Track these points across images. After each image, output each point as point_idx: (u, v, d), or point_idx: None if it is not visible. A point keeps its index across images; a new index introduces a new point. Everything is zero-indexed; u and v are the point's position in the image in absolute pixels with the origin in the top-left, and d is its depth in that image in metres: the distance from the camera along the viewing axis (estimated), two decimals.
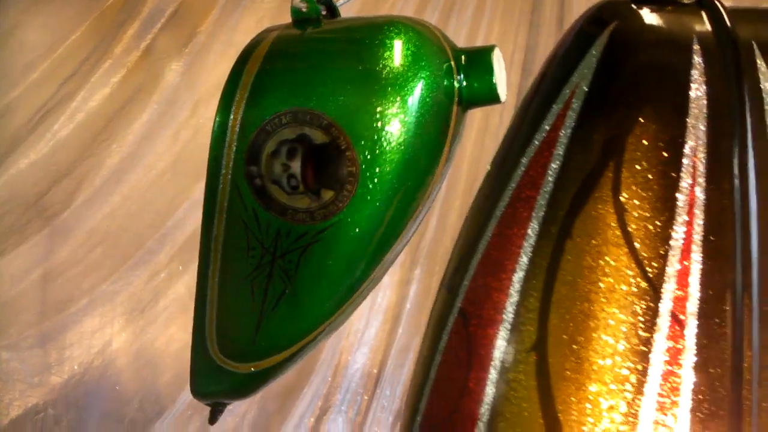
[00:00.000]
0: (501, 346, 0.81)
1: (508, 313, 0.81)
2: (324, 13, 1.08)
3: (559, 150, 0.83)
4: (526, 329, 0.79)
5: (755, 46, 0.82)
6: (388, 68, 1.06)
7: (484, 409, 0.81)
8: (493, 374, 0.81)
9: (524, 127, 0.89)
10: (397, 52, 1.07)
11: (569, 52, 0.88)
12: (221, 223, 1.10)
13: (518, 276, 0.80)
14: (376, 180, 1.03)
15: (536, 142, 0.85)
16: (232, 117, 1.07)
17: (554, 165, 0.82)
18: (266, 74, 1.08)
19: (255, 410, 2.42)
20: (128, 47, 2.28)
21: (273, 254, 1.09)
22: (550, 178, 0.83)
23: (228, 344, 1.12)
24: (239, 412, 2.38)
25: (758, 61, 0.82)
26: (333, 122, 1.04)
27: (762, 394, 0.74)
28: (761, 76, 0.82)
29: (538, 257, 0.80)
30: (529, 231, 0.81)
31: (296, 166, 1.02)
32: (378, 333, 2.54)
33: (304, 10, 1.08)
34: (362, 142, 1.03)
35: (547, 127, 0.85)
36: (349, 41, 1.11)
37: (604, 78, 0.84)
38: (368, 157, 1.03)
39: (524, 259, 0.81)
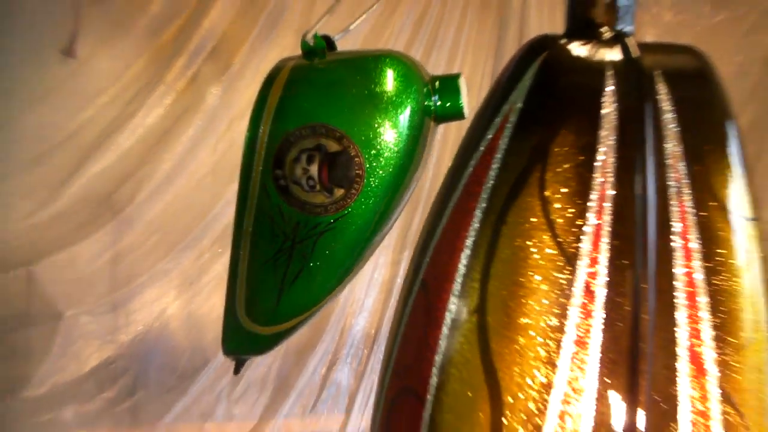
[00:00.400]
0: (452, 309, 0.92)
1: (457, 283, 0.92)
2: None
3: (499, 155, 0.94)
4: (470, 296, 0.91)
5: (657, 72, 0.94)
6: (386, 91, 1.25)
7: (439, 358, 0.92)
8: (445, 331, 0.92)
9: (474, 135, 1.01)
10: (392, 79, 1.27)
11: (509, 77, 0.99)
12: (251, 215, 1.30)
13: (465, 254, 0.91)
14: (377, 180, 1.23)
15: (481, 148, 0.96)
16: (261, 131, 1.27)
17: (494, 166, 0.93)
18: (288, 97, 1.27)
19: (279, 362, 2.68)
20: (177, 75, 2.52)
21: (293, 240, 1.28)
22: (491, 177, 0.93)
23: (254, 311, 1.33)
24: (267, 363, 2.66)
25: (658, 85, 0.94)
26: (344, 134, 1.23)
27: (654, 347, 0.87)
28: (660, 97, 0.93)
29: (481, 239, 0.91)
30: (474, 218, 0.92)
31: (314, 169, 1.22)
32: (375, 302, 2.80)
33: (311, 44, 1.26)
34: (367, 150, 1.22)
35: (490, 136, 0.96)
36: (355, 69, 1.29)
37: (535, 98, 0.95)
38: (372, 162, 1.22)
39: (470, 241, 0.92)
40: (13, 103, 2.44)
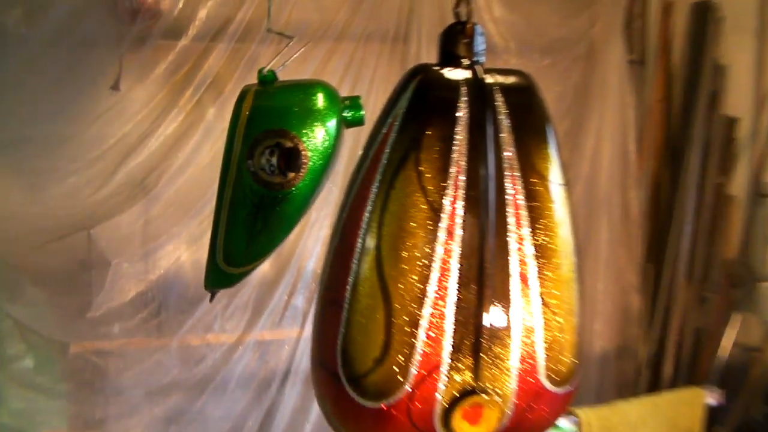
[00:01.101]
0: (359, 245, 1.06)
1: (363, 229, 1.05)
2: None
3: (389, 144, 1.07)
4: (371, 237, 1.05)
5: (496, 87, 1.10)
6: (320, 107, 1.48)
7: (352, 278, 1.06)
8: (355, 260, 1.06)
9: (374, 132, 1.13)
10: (323, 99, 1.50)
11: (397, 91, 1.11)
12: (230, 190, 1.51)
13: (368, 209, 1.04)
14: (315, 167, 1.45)
15: (378, 140, 1.09)
16: (237, 134, 1.48)
17: (386, 152, 1.06)
18: (256, 110, 1.48)
19: (255, 292, 3.20)
20: (187, 101, 3.06)
21: (258, 207, 1.48)
22: (384, 159, 1.06)
23: (229, 258, 1.56)
24: (248, 293, 3.19)
25: (497, 95, 1.10)
26: (295, 136, 1.44)
27: (495, 269, 1.04)
28: (498, 104, 1.10)
29: (377, 199, 1.03)
30: (373, 187, 1.05)
31: (274, 160, 1.43)
32: (320, 251, 3.25)
33: (265, 74, 1.52)
34: (309, 146, 1.43)
35: (384, 132, 1.09)
36: (299, 92, 1.51)
37: (413, 105, 1.08)
38: (312, 154, 1.43)
39: (371, 201, 1.05)
40: (79, 121, 2.99)
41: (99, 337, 3.05)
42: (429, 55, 3.25)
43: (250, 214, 1.48)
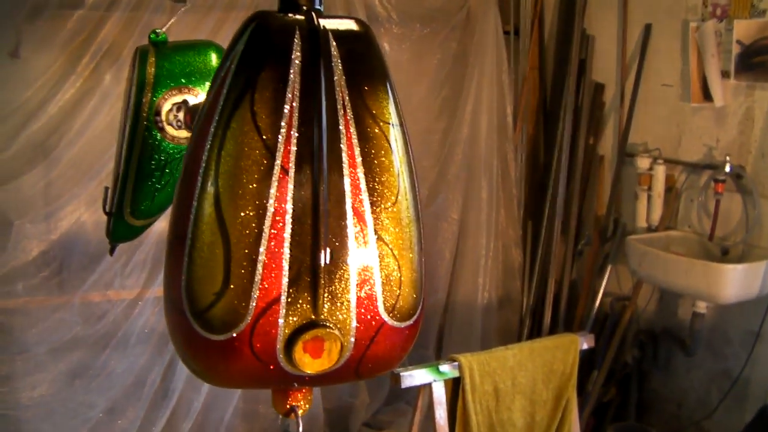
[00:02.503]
0: (199, 182, 1.09)
1: (202, 168, 1.09)
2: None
3: (226, 86, 1.10)
4: (210, 175, 1.08)
5: (330, 34, 1.14)
6: (212, 64, 1.59)
7: (193, 214, 1.10)
8: (196, 198, 1.09)
9: (215, 75, 1.15)
10: (215, 56, 1.63)
11: (235, 36, 1.13)
12: (138, 147, 1.57)
13: (206, 148, 1.08)
14: None
15: (217, 82, 1.12)
16: (145, 92, 1.55)
17: (224, 93, 1.09)
18: (161, 68, 1.56)
19: (153, 250, 3.31)
20: (84, 67, 3.17)
21: (165, 161, 1.55)
22: (221, 100, 1.09)
23: (136, 211, 1.62)
24: (146, 251, 3.29)
25: (331, 41, 1.14)
26: (200, 92, 1.54)
27: (329, 205, 1.07)
28: (332, 50, 1.13)
29: (215, 139, 1.08)
30: (212, 127, 1.09)
31: (181, 115, 1.51)
32: None
33: (159, 36, 1.61)
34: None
35: (222, 75, 1.13)
36: (196, 52, 1.62)
37: (249, 47, 1.10)
38: None
39: (209, 141, 1.08)
40: None
41: (2, 296, 3.14)
42: None
43: (157, 168, 1.54)
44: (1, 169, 3.12)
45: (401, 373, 2.71)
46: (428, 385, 2.77)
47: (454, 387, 2.85)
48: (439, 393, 2.80)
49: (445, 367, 2.79)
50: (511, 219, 4.09)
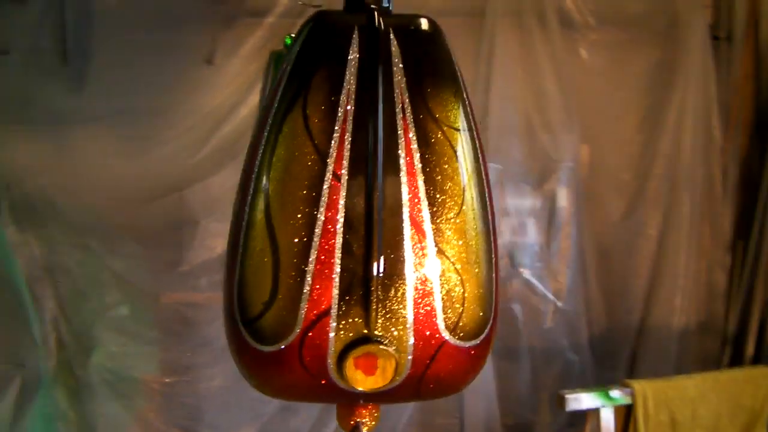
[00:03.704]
0: (251, 189, 1.08)
1: (255, 174, 1.07)
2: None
3: (282, 87, 1.08)
4: (261, 181, 1.06)
5: (392, 33, 1.11)
6: None
7: (245, 222, 1.09)
8: (248, 205, 1.08)
9: (273, 78, 1.23)
10: None
11: (294, 38, 1.13)
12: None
13: (259, 152, 1.07)
14: None
15: (274, 85, 1.11)
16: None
17: (279, 94, 1.07)
18: None
19: None
20: None
21: None
22: (276, 101, 1.07)
23: None
24: None
25: (393, 41, 1.10)
26: None
27: (384, 214, 1.04)
28: (393, 50, 1.10)
29: (267, 144, 1.06)
30: (266, 130, 1.07)
31: None
32: None
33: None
34: None
35: (279, 76, 1.11)
36: None
37: (305, 47, 1.09)
38: None
39: (262, 146, 1.08)
40: (176, 92, 3.20)
41: (188, 290, 3.26)
42: (504, 30, 3.36)
43: None
44: (191, 171, 3.23)
45: (566, 396, 2.60)
46: (596, 411, 2.63)
47: (627, 414, 2.69)
48: (608, 419, 2.66)
49: (615, 393, 2.66)
50: (717, 238, 3.81)
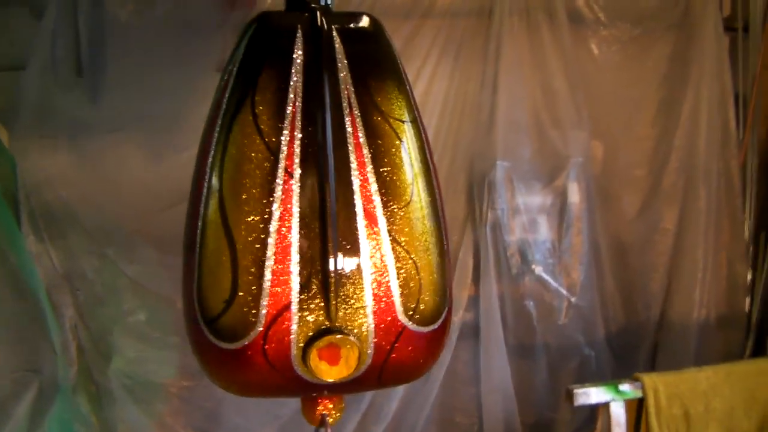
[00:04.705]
0: (204, 190, 1.08)
1: (208, 174, 1.07)
2: None
3: (228, 90, 1.09)
4: (214, 181, 1.06)
5: (334, 32, 1.12)
6: None
7: (200, 222, 1.09)
8: (202, 206, 1.09)
9: (220, 81, 1.16)
10: None
11: (238, 40, 1.15)
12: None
13: (211, 154, 1.06)
14: None
15: (221, 86, 1.12)
16: None
17: (226, 97, 1.08)
18: None
19: None
20: None
21: None
22: (223, 104, 1.08)
23: None
24: None
25: (335, 37, 1.12)
26: None
27: (338, 206, 1.04)
28: (336, 48, 1.12)
29: (218, 145, 1.05)
30: (215, 132, 1.08)
31: None
32: None
33: None
34: None
35: (225, 78, 1.13)
36: None
37: (249, 49, 1.10)
38: None
39: (213, 147, 1.06)
40: (191, 99, 3.02)
41: None
42: (512, 28, 3.33)
43: None
44: None
45: (575, 390, 2.57)
46: (606, 405, 2.59)
47: (639, 409, 2.65)
48: (618, 414, 2.62)
49: (625, 387, 2.62)
50: (736, 230, 3.76)
